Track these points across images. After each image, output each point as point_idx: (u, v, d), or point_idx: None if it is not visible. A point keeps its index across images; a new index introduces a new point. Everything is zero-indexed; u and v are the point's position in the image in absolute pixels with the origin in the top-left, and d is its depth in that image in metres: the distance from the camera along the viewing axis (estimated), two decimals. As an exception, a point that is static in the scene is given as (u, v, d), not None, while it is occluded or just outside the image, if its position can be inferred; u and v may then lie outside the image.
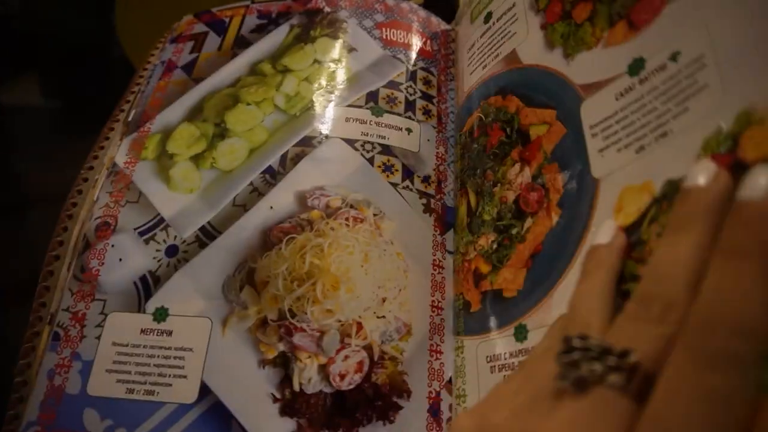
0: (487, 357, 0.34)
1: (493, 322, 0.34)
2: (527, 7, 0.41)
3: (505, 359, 0.33)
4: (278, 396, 0.33)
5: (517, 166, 0.36)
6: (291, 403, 0.33)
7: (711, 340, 0.16)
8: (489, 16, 0.44)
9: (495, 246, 0.36)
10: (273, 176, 0.39)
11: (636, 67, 0.30)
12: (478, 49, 0.44)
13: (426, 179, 0.41)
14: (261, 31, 0.47)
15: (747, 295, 0.17)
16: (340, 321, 0.35)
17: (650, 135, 0.28)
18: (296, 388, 0.33)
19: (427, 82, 0.45)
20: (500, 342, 0.34)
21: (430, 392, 0.35)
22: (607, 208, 0.29)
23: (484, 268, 0.36)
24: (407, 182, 0.40)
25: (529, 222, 0.34)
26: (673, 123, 0.27)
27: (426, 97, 0.44)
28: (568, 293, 0.28)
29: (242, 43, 0.46)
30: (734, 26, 0.26)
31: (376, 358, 0.34)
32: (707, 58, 0.26)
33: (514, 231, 0.35)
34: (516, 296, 0.34)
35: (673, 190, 0.26)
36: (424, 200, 0.40)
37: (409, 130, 0.42)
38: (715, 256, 0.19)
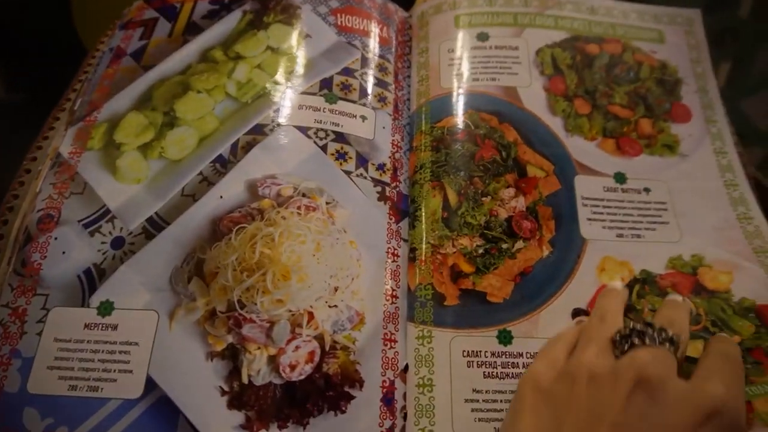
0: (465, 351, 0.35)
1: (474, 320, 0.36)
2: (531, 62, 0.46)
3: (487, 357, 0.35)
4: (226, 389, 0.32)
5: (512, 191, 0.40)
6: (239, 396, 0.32)
7: None
8: (485, 36, 0.46)
9: (481, 251, 0.37)
10: (223, 165, 0.38)
11: (620, 178, 0.41)
12: (467, 59, 0.45)
13: (381, 167, 0.40)
14: (213, 17, 0.45)
15: None
16: (290, 311, 0.34)
17: (627, 230, 0.39)
18: (245, 380, 0.33)
19: (382, 69, 0.44)
20: (481, 340, 0.35)
21: (384, 381, 0.34)
22: (591, 262, 0.38)
23: (466, 268, 0.37)
24: (361, 170, 0.39)
25: (520, 244, 0.38)
26: (645, 232, 0.39)
27: (381, 84, 0.43)
28: (555, 315, 0.35)
29: (193, 30, 0.45)
30: (683, 195, 0.40)
31: (327, 348, 0.34)
32: (668, 205, 0.40)
33: (504, 245, 0.38)
34: (502, 303, 0.36)
35: (650, 279, 0.37)
36: (378, 188, 0.39)
37: (363, 118, 0.41)
38: None
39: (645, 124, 0.43)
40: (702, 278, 0.37)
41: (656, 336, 0.25)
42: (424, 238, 0.38)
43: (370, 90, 0.42)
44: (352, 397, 0.33)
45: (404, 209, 0.40)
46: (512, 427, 0.25)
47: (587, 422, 0.23)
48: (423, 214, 0.39)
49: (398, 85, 0.44)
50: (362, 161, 0.40)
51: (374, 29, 0.46)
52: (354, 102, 0.42)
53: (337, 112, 0.41)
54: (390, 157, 0.41)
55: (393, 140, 0.42)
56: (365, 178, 0.39)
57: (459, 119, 0.42)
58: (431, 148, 0.41)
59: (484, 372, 0.34)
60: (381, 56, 0.45)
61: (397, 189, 0.40)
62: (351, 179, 0.39)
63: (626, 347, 0.25)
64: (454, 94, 0.43)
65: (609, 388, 0.24)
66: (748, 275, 0.37)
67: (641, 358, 0.24)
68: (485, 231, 0.37)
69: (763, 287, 0.37)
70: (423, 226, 0.38)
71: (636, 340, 0.25)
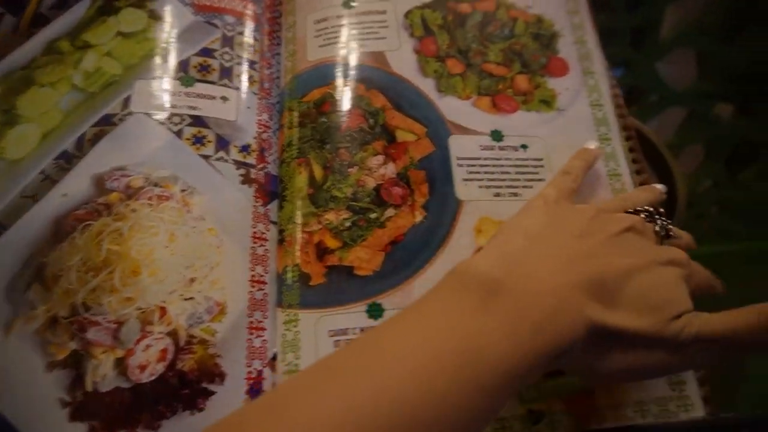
0: (331, 331, 0.32)
1: (341, 297, 0.33)
2: (400, 24, 0.43)
3: (355, 334, 0.33)
4: (68, 399, 0.30)
5: (381, 158, 0.38)
6: (83, 406, 0.29)
7: None
8: (349, 3, 0.43)
9: (348, 224, 0.35)
10: (68, 161, 0.35)
11: (497, 136, 0.39)
12: (332, 28, 0.42)
13: (245, 148, 0.38)
14: (61, 7, 0.42)
15: None
16: (140, 308, 0.31)
17: (504, 189, 0.37)
18: (89, 388, 0.30)
19: (247, 47, 0.42)
20: (349, 317, 0.33)
21: (250, 372, 0.32)
22: (468, 225, 0.36)
23: (332, 243, 0.35)
24: (221, 153, 0.37)
25: (390, 212, 0.36)
26: (522, 190, 0.38)
27: (246, 62, 0.41)
28: (430, 282, 0.31)
29: (41, 22, 0.42)
30: (559, 151, 0.38)
31: (182, 344, 0.31)
32: (545, 161, 0.39)
33: (372, 215, 0.36)
34: (371, 275, 0.34)
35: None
36: (242, 171, 0.37)
37: (224, 99, 0.39)
38: None
39: (521, 80, 0.41)
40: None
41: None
42: (290, 218, 0.36)
43: (232, 70, 0.40)
44: (212, 393, 0.31)
45: (273, 191, 0.38)
46: (518, 220, 0.30)
47: (582, 233, 0.27)
48: (290, 193, 0.37)
49: (267, 63, 0.42)
50: (223, 144, 0.37)
51: (237, 6, 0.43)
52: (213, 83, 0.39)
53: (194, 95, 0.38)
54: (256, 138, 0.39)
55: (260, 120, 0.39)
56: (226, 161, 0.37)
57: (323, 91, 0.39)
58: (298, 124, 0.39)
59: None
60: (245, 34, 0.42)
61: (265, 170, 0.38)
62: (210, 164, 0.36)
63: None
64: (321, 66, 0.41)
65: (611, 219, 0.29)
66: None
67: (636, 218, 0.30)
68: (352, 203, 0.35)
69: None
70: (290, 206, 0.36)
71: None
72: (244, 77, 0.40)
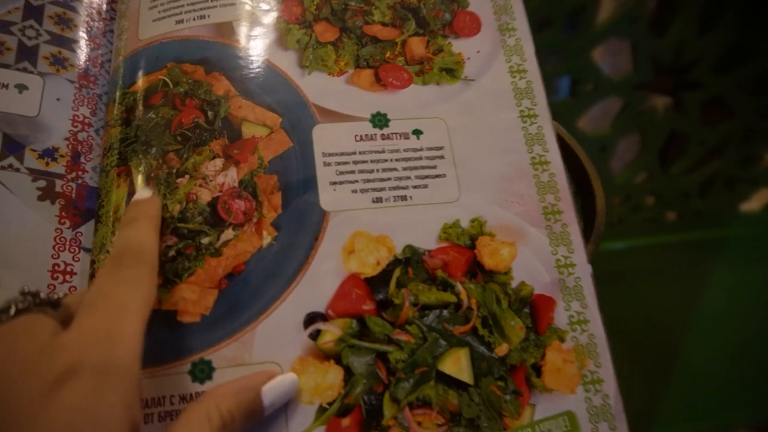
0: (145, 400, 0.24)
1: (157, 354, 0.25)
2: None
3: (172, 404, 0.24)
4: None
5: (219, 162, 0.29)
6: None
7: None
8: None
9: (172, 254, 0.26)
10: None
11: (379, 121, 0.30)
12: None
13: (49, 153, 0.29)
14: None
15: None
16: None
17: (388, 192, 0.29)
18: None
19: (63, 21, 0.33)
20: (167, 381, 0.24)
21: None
22: (335, 244, 0.28)
23: None
24: (11, 160, 0.28)
25: (229, 234, 0.27)
26: (413, 192, 0.29)
27: (60, 41, 0.32)
28: (279, 327, 0.26)
29: None
30: (466, 136, 0.30)
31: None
32: (446, 151, 0.30)
33: (204, 240, 0.27)
34: (199, 322, 0.26)
35: (416, 258, 0.28)
36: (41, 183, 0.28)
37: (21, 87, 0.30)
38: None
39: (416, 44, 0.32)
40: (480, 252, 0.27)
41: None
42: (103, 246, 0.28)
43: (38, 49, 0.31)
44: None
45: (89, 208, 0.29)
46: None
47: None
48: (106, 212, 0.28)
49: (94, 43, 0.33)
50: (14, 148, 0.29)
51: (55, -30, 0.34)
52: (7, 67, 0.30)
53: (-25, 85, 0.30)
54: (68, 139, 0.30)
55: (76, 115, 0.31)
56: (17, 170, 0.28)
57: (154, 78, 0.30)
58: (122, 121, 0.30)
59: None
60: (61, 4, 0.33)
61: (80, 181, 0.30)
62: (-10, 176, 0.28)
63: None
64: (153, 46, 0.31)
65: None
66: (531, 247, 0.28)
67: None
68: (179, 224, 0.27)
69: (543, 264, 0.27)
70: (104, 230, 0.28)
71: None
72: (57, 59, 0.32)
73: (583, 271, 0.28)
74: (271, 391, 0.23)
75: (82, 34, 0.33)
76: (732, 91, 0.63)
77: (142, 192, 0.26)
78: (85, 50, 0.33)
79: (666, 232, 0.70)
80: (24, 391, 0.17)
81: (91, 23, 0.34)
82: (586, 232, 0.33)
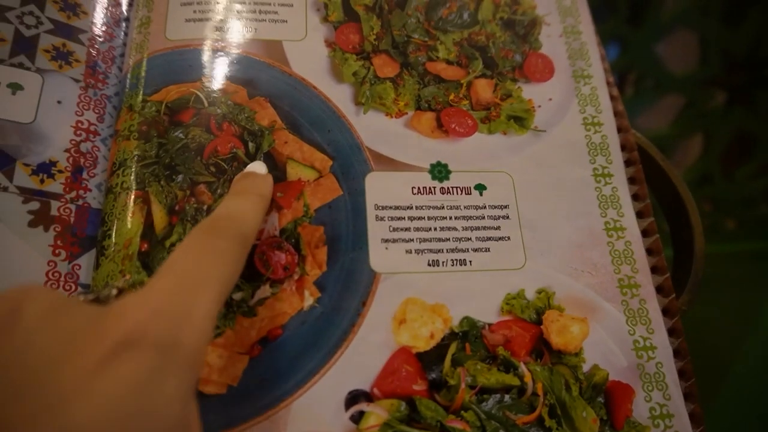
0: None
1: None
2: (308, 3, 0.29)
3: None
4: None
5: None
6: None
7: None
8: None
9: None
10: None
11: (439, 172, 0.27)
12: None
13: (45, 168, 0.24)
14: None
15: None
16: None
17: (446, 255, 0.26)
18: None
19: (70, 7, 0.27)
20: None
21: None
22: (385, 311, 0.24)
23: None
24: (-2, 177, 0.24)
25: (266, 291, 0.24)
26: (473, 255, 0.26)
27: (65, 30, 0.27)
28: (317, 404, 0.22)
29: None
30: (534, 194, 0.27)
31: None
32: (511, 210, 0.27)
33: (237, 295, 0.23)
34: (224, 395, 0.22)
35: (475, 333, 0.25)
36: (34, 204, 0.23)
37: (15, 87, 0.25)
38: None
39: (482, 86, 0.29)
40: (547, 329, 0.25)
41: None
42: (108, 286, 0.23)
43: (37, 40, 0.26)
44: None
45: (91, 235, 0.25)
46: None
47: None
48: (113, 245, 0.24)
49: (105, 34, 0.28)
50: (3, 162, 0.23)
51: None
52: (0, 62, 0.25)
53: (-40, 79, 0.24)
54: (69, 151, 0.25)
55: (80, 122, 0.26)
56: (5, 189, 0.23)
57: (186, 91, 0.26)
58: (139, 135, 0.26)
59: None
60: (70, -15, 0.28)
61: (80, 202, 0.25)
62: (-28, 195, 0.23)
63: None
64: (185, 51, 0.27)
65: None
66: (605, 325, 0.25)
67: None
68: (206, 273, 0.23)
69: (619, 345, 0.25)
70: (109, 267, 0.24)
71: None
72: (60, 54, 0.26)
73: (664, 355, 0.25)
74: None
75: (93, 23, 0.28)
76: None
77: (257, 166, 0.24)
78: (95, 42, 0.28)
79: (724, 242, 0.65)
80: (67, 364, 0.13)
81: (104, 9, 0.29)
82: (677, 275, 0.30)
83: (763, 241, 0.64)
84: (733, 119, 0.60)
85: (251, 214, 0.20)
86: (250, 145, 0.25)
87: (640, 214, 0.28)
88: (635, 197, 0.29)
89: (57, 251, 0.23)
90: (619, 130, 0.30)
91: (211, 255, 0.17)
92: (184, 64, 0.26)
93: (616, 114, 0.30)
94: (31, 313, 0.14)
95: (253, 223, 0.20)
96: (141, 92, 0.26)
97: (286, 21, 0.28)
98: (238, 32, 0.28)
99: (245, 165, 0.25)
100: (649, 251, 0.27)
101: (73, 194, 0.25)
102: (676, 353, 0.26)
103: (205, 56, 0.27)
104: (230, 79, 0.26)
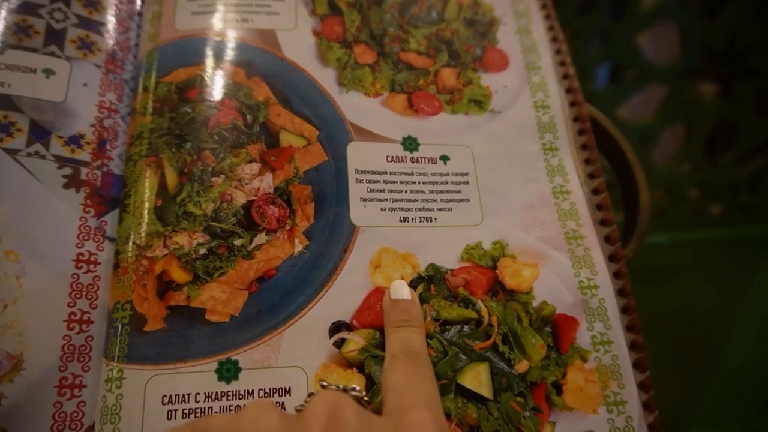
0: (165, 397, 0.24)
1: (184, 349, 0.25)
2: None
3: (198, 402, 0.24)
4: None
5: (255, 167, 0.29)
6: None
7: None
8: None
9: (203, 251, 0.27)
10: None
11: (410, 144, 0.32)
12: None
13: (75, 140, 0.29)
14: None
15: None
16: None
17: (415, 212, 0.30)
18: None
19: (91, 3, 0.32)
20: (193, 378, 0.25)
21: (54, 449, 0.24)
22: (363, 258, 0.29)
23: (180, 276, 0.26)
24: (37, 146, 0.27)
25: (262, 238, 0.28)
26: (438, 214, 0.30)
27: (88, 24, 0.31)
28: (305, 333, 0.27)
29: None
30: (491, 164, 0.32)
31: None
32: (470, 177, 0.32)
33: (237, 242, 0.27)
34: (228, 322, 0.26)
35: (439, 276, 0.29)
36: (67, 170, 0.28)
37: (48, 72, 0.29)
38: None
39: (448, 74, 0.34)
40: (502, 273, 0.29)
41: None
42: (128, 237, 0.27)
43: (65, 33, 0.31)
44: (-13, 485, 0.23)
45: (114, 197, 0.29)
46: None
47: None
48: (133, 202, 0.28)
49: (121, 27, 0.33)
50: (40, 134, 0.28)
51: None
52: (35, 51, 0.29)
53: (2, 66, 0.29)
54: (94, 125, 0.29)
55: (102, 102, 0.30)
56: (43, 157, 0.28)
57: (192, 72, 0.30)
58: (153, 110, 0.30)
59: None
60: (92, -16, 0.33)
61: (105, 169, 0.29)
62: (16, 160, 0.27)
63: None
64: (192, 39, 0.31)
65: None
66: (553, 269, 0.30)
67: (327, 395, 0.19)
68: (212, 223, 0.27)
69: (566, 285, 0.29)
70: (130, 221, 0.28)
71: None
72: (85, 44, 0.31)
73: (606, 292, 0.29)
74: None
75: (111, 17, 0.32)
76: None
77: (404, 291, 0.26)
78: (113, 34, 0.32)
79: (711, 227, 0.65)
80: None
81: (120, 6, 0.33)
82: (628, 229, 0.34)
83: (748, 226, 0.66)
84: (714, 108, 0.63)
85: (422, 343, 0.24)
86: (248, 116, 0.30)
87: (591, 176, 0.33)
88: (587, 161, 0.33)
89: (87, 209, 0.28)
90: (573, 104, 0.34)
91: (426, 381, 0.22)
92: (191, 50, 0.31)
93: (570, 90, 0.35)
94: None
95: (425, 349, 0.24)
96: (154, 75, 0.31)
97: (279, 13, 0.33)
98: (237, 23, 0.32)
99: (244, 134, 0.29)
100: (599, 206, 0.32)
101: (99, 162, 0.29)
102: (621, 292, 0.30)
103: (209, 43, 0.31)
104: (230, 62, 0.31)
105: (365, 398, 0.22)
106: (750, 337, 0.58)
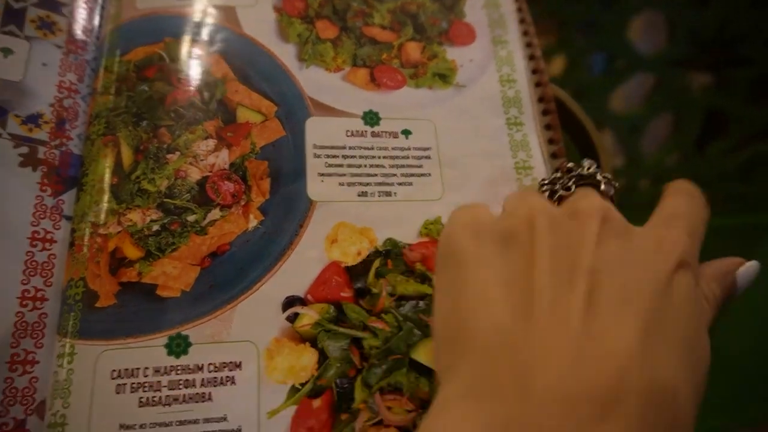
0: (114, 371, 0.24)
1: (134, 325, 0.25)
2: None
3: (147, 377, 0.24)
4: None
5: (211, 143, 0.29)
6: None
7: None
8: None
9: (156, 228, 0.27)
10: None
11: (371, 118, 0.31)
12: None
13: (32, 119, 0.29)
14: None
15: None
16: None
17: (374, 187, 0.30)
18: None
19: (53, -16, 0.32)
20: (142, 353, 0.25)
21: (5, 424, 0.24)
22: (319, 233, 0.28)
23: (132, 253, 0.26)
24: (-7, 125, 0.28)
25: (216, 214, 0.27)
26: (398, 188, 0.30)
27: (49, 4, 0.31)
28: (258, 307, 0.27)
29: None
30: (453, 138, 0.32)
31: None
32: (432, 152, 0.31)
33: (191, 218, 0.27)
34: (179, 297, 0.26)
35: (396, 251, 0.29)
36: (23, 149, 0.28)
37: (6, 51, 0.29)
38: None
39: (412, 48, 0.33)
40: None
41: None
42: (84, 215, 0.27)
43: (25, 12, 0.31)
44: (-67, 457, 0.23)
45: (72, 176, 0.29)
46: (457, 287, 0.19)
47: (561, 269, 0.18)
48: (90, 180, 0.28)
49: (84, 7, 0.33)
50: (-3, 113, 0.28)
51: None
52: (-7, 30, 0.30)
53: (-40, 45, 0.29)
54: (53, 105, 0.29)
55: (62, 81, 0.30)
56: (0, 136, 0.28)
57: (151, 51, 0.30)
58: (113, 90, 0.30)
59: (140, 398, 0.24)
60: (54, -34, 0.33)
61: (63, 148, 0.29)
62: (-28, 138, 0.28)
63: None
64: (152, 17, 0.31)
65: (577, 232, 0.19)
66: None
67: (595, 199, 0.21)
68: (166, 200, 0.27)
69: None
70: (86, 199, 0.28)
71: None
72: (44, 23, 0.31)
73: None
74: (745, 275, 0.24)
75: (75, -1, 0.33)
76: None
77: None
78: (75, 15, 0.32)
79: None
80: (650, 271, 0.18)
81: (84, -12, 0.33)
82: None
83: (739, 216, 0.65)
84: (703, 97, 0.62)
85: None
86: (205, 93, 0.30)
87: (554, 155, 0.32)
88: (551, 141, 0.32)
89: (44, 188, 0.28)
90: (539, 84, 0.34)
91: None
92: (150, 28, 0.31)
93: (536, 71, 0.34)
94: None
95: None
96: (116, 55, 0.31)
97: None
98: (197, 0, 0.32)
99: (201, 111, 0.29)
100: (562, 186, 0.31)
101: (57, 142, 0.29)
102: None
103: (168, 21, 0.31)
104: (189, 40, 0.31)
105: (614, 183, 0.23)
106: (744, 326, 0.57)
